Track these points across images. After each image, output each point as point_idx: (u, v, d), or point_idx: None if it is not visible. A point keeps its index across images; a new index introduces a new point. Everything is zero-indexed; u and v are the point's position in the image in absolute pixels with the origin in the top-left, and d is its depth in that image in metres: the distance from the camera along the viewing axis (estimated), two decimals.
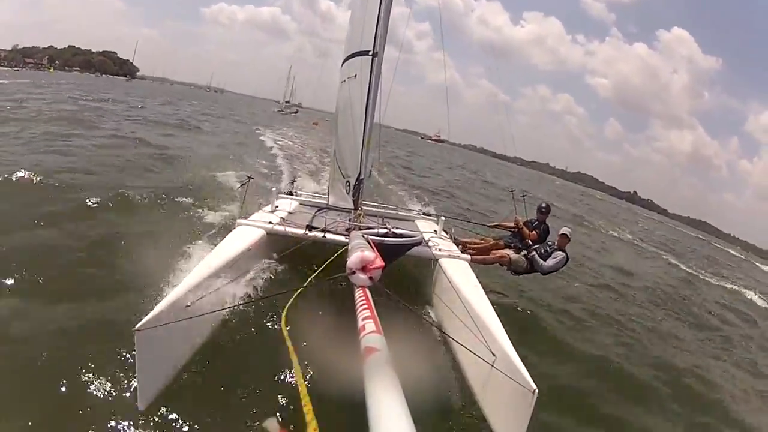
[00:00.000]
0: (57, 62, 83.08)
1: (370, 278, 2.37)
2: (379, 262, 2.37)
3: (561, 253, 5.28)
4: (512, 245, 5.73)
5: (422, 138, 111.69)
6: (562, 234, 5.36)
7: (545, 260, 5.27)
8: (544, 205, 6.04)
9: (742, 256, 38.54)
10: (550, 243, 5.51)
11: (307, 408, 1.37)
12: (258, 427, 2.39)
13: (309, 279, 3.10)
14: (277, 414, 2.51)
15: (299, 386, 1.54)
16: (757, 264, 34.88)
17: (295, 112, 52.99)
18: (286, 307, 2.57)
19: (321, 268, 3.13)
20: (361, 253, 2.40)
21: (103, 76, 79.24)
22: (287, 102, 58.21)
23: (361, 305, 2.14)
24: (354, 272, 2.38)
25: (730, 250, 43.31)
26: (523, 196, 6.34)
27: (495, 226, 6.59)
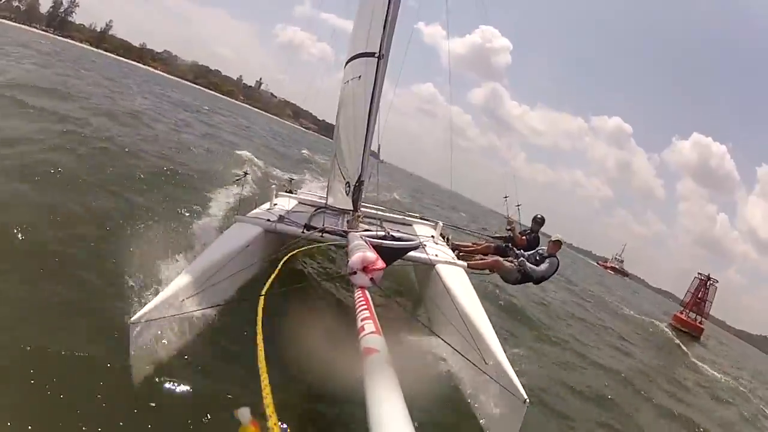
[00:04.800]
0: None
1: (371, 279, 2.36)
2: (381, 264, 2.37)
3: (553, 258, 5.36)
4: (503, 248, 5.82)
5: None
6: (555, 240, 5.45)
7: (537, 266, 5.35)
8: (539, 216, 6.17)
9: None
10: (541, 251, 5.59)
11: (268, 400, 1.34)
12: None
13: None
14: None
15: (262, 377, 1.48)
16: None
17: None
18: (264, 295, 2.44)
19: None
20: (362, 253, 2.39)
21: None
22: None
23: (361, 306, 2.12)
24: (355, 272, 2.37)
25: None
26: (518, 205, 6.43)
27: (493, 237, 6.65)
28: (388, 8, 4.26)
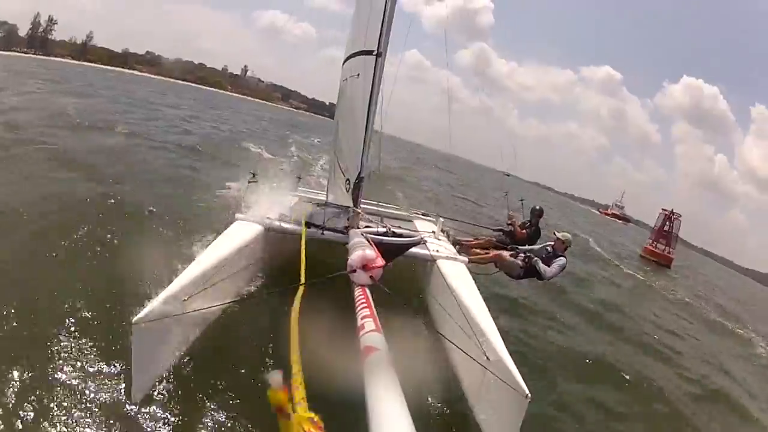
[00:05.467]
0: None
1: (371, 277, 2.37)
2: (380, 261, 2.38)
3: (562, 258, 5.27)
4: (505, 244, 5.79)
5: None
6: (563, 239, 5.34)
7: (548, 266, 5.24)
8: (537, 207, 6.15)
9: None
10: (548, 247, 5.48)
11: (298, 380, 1.33)
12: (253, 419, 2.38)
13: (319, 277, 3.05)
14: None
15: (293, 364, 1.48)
16: None
17: None
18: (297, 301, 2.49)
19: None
20: (362, 251, 2.39)
21: None
22: None
23: (361, 304, 2.14)
24: (355, 270, 2.38)
25: None
26: (522, 200, 6.41)
27: (494, 231, 6.64)
28: (386, 6, 4.23)
